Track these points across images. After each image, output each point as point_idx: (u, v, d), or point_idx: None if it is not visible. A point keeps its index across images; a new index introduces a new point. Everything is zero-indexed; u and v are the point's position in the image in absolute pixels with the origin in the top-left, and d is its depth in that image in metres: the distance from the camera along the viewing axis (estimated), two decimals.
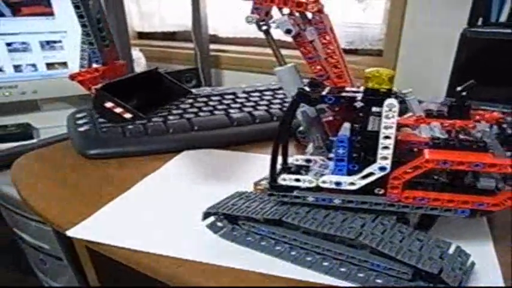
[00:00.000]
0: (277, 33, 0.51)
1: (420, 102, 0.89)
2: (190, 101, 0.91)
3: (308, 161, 0.50)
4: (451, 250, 0.43)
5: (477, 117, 0.53)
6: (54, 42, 1.17)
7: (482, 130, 0.51)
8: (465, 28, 0.95)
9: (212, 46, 1.77)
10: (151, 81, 0.78)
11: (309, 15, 0.51)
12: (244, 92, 0.98)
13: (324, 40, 0.50)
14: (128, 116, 0.65)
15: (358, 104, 0.43)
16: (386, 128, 0.42)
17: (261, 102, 0.92)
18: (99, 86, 0.68)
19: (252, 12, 0.50)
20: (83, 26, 0.71)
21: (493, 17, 0.93)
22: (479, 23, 0.96)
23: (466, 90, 0.55)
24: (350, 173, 0.46)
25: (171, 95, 0.83)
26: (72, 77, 0.71)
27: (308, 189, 0.47)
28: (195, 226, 0.51)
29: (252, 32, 1.75)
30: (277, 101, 0.94)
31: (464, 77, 0.95)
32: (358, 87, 0.47)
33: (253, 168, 0.60)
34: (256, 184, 0.57)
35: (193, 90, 0.96)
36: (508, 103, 0.90)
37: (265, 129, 0.84)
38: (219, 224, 0.52)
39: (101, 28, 0.74)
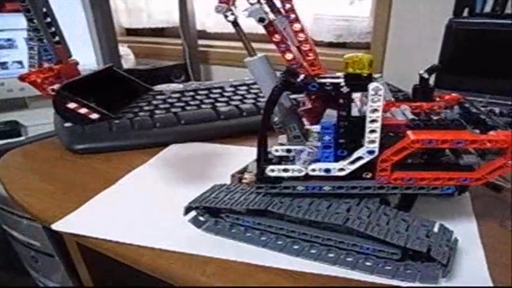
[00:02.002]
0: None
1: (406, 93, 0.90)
2: (177, 95, 0.91)
3: (288, 151, 0.49)
4: (436, 228, 0.44)
5: (437, 98, 0.54)
6: None
7: (445, 111, 0.52)
8: (450, 19, 0.96)
9: (200, 41, 1.76)
10: (110, 80, 0.76)
11: (278, 4, 0.51)
12: (231, 85, 0.98)
13: (295, 28, 0.50)
14: (94, 116, 0.64)
15: (345, 90, 0.43)
16: (373, 111, 0.43)
17: (248, 96, 0.92)
18: (59, 86, 0.65)
19: (221, 2, 0.48)
20: (30, 20, 0.67)
21: (478, 8, 0.94)
22: (465, 13, 0.97)
23: (429, 74, 0.56)
24: (337, 159, 0.46)
25: (132, 93, 0.80)
26: (23, 78, 0.67)
27: (295, 178, 0.47)
28: (180, 219, 0.51)
29: (250, 27, 1.74)
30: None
31: (451, 67, 0.96)
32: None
33: (240, 160, 0.60)
34: (233, 176, 0.57)
35: (181, 85, 0.96)
36: (494, 93, 0.91)
37: (253, 122, 0.84)
38: (201, 218, 0.52)
39: (49, 23, 0.70)
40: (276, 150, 0.49)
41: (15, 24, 1.13)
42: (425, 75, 0.55)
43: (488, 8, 0.93)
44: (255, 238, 0.49)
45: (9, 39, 1.14)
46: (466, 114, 0.52)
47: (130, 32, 2.12)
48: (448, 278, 0.42)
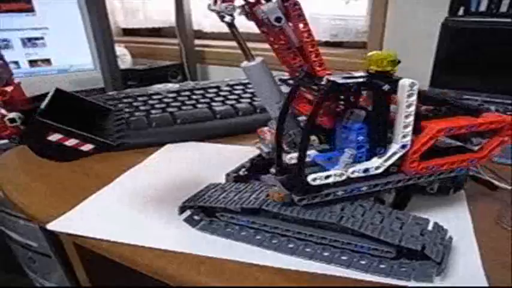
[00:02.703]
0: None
1: None
2: (173, 95, 0.91)
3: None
4: (430, 226, 0.44)
5: None
6: (36, 39, 1.16)
7: None
8: (446, 18, 0.96)
9: (197, 41, 1.76)
10: (65, 103, 0.60)
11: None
12: (227, 85, 0.98)
13: (303, 28, 0.47)
14: (86, 147, 0.49)
15: (386, 88, 0.43)
16: (408, 106, 0.44)
17: (244, 95, 0.93)
18: (19, 114, 0.46)
19: (215, 1, 0.44)
20: None
21: (473, 7, 0.94)
22: (461, 12, 0.97)
23: None
24: (367, 159, 0.47)
25: (95, 113, 0.70)
26: None
27: (333, 184, 0.46)
28: (176, 218, 0.51)
29: (239, 26, 1.74)
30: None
31: (447, 66, 0.96)
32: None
33: (235, 160, 0.60)
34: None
35: (177, 85, 0.96)
36: (489, 91, 0.91)
37: (249, 121, 0.84)
38: (196, 217, 0.52)
39: None
40: (291, 159, 0.48)
41: (11, 24, 1.13)
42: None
43: (483, 7, 0.93)
44: (249, 237, 0.49)
45: (4, 40, 1.14)
46: (435, 104, 0.54)
47: (126, 32, 2.12)
48: (442, 276, 0.42)
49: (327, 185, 0.46)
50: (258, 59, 0.47)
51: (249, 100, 0.90)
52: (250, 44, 0.48)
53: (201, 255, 0.46)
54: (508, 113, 0.81)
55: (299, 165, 0.44)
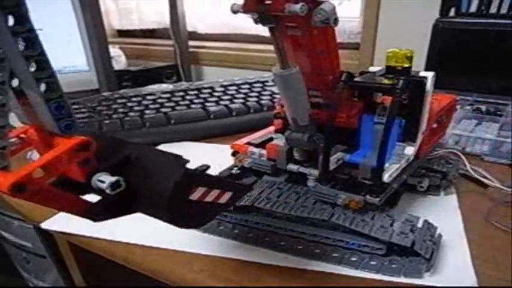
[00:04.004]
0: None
1: None
2: (167, 95, 0.92)
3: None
4: (420, 224, 0.45)
5: None
6: None
7: None
8: (437, 19, 0.97)
9: (191, 43, 1.77)
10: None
11: None
12: (221, 86, 0.99)
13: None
14: (225, 199, 0.37)
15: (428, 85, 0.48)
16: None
17: (238, 96, 0.93)
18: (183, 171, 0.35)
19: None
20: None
21: (464, 8, 0.95)
22: (452, 13, 0.98)
23: None
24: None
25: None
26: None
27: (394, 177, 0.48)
28: None
29: (231, 27, 1.76)
30: (254, 94, 0.95)
31: (438, 67, 0.97)
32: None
33: (229, 159, 0.60)
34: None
35: (171, 86, 0.97)
36: (480, 92, 0.92)
37: (242, 121, 0.84)
38: None
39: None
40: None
41: None
42: None
43: (473, 8, 0.94)
44: (242, 235, 0.49)
45: None
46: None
47: (121, 33, 2.12)
48: (432, 272, 0.42)
49: (394, 179, 0.48)
50: (295, 67, 0.44)
51: (242, 100, 0.90)
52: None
53: (193, 253, 0.47)
54: (498, 112, 0.82)
55: (378, 169, 0.45)
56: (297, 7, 0.37)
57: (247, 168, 0.56)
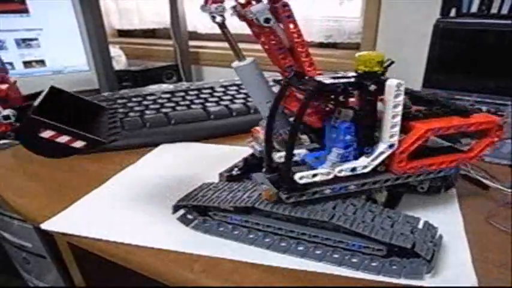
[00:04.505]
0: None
1: None
2: (168, 95, 0.92)
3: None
4: (420, 225, 0.45)
5: None
6: (31, 40, 1.16)
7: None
8: (438, 19, 0.96)
9: (192, 43, 1.76)
10: (60, 101, 0.61)
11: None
12: (221, 86, 0.98)
13: (293, 29, 0.48)
14: (78, 144, 0.49)
15: (372, 88, 0.44)
16: (395, 106, 0.45)
17: (238, 96, 0.93)
18: (13, 111, 0.49)
19: (215, 2, 0.45)
20: None
21: (465, 8, 0.95)
22: (453, 13, 0.98)
23: (385, 69, 0.57)
24: (356, 157, 0.48)
25: (91, 112, 0.71)
26: None
27: (322, 182, 0.47)
28: (169, 217, 0.52)
29: (232, 27, 1.74)
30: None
31: (439, 67, 0.97)
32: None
33: (229, 160, 0.60)
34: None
35: (171, 86, 0.96)
36: (481, 92, 0.92)
37: (242, 122, 0.84)
38: (189, 216, 0.52)
39: None
40: (280, 157, 0.48)
41: (5, 25, 1.13)
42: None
43: (474, 8, 0.94)
44: (242, 236, 0.49)
45: None
46: (426, 104, 0.55)
47: (121, 33, 2.12)
48: (432, 273, 0.42)
49: (315, 184, 0.46)
50: (249, 59, 0.48)
51: (243, 101, 0.90)
52: (243, 45, 0.48)
53: (194, 254, 0.47)
54: (499, 113, 0.82)
55: (286, 163, 0.45)
56: (213, 7, 0.44)
57: (247, 169, 0.56)
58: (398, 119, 0.45)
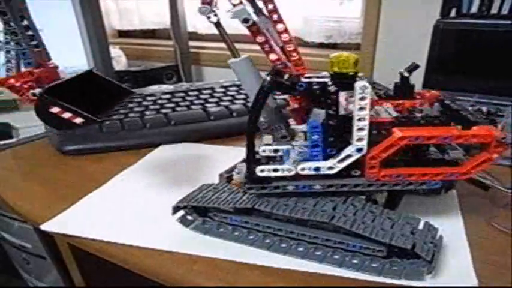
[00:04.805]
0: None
1: None
2: (168, 96, 0.92)
3: (276, 151, 0.49)
4: (421, 226, 0.45)
5: (418, 96, 0.55)
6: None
7: (427, 108, 0.53)
8: (438, 19, 0.96)
9: (192, 43, 1.76)
10: (91, 83, 0.74)
11: (260, 4, 0.51)
12: (221, 86, 0.98)
13: (278, 29, 0.50)
14: (78, 120, 0.62)
15: (332, 89, 0.44)
16: (360, 109, 0.44)
17: (238, 97, 0.93)
18: (40, 90, 0.63)
19: (203, 3, 0.47)
20: (6, 23, 0.66)
21: (465, 8, 0.95)
22: (453, 14, 0.98)
23: (410, 72, 0.56)
24: (326, 158, 0.47)
25: (114, 95, 0.78)
26: (1, 83, 0.65)
27: (286, 178, 0.47)
28: (169, 218, 0.52)
29: (232, 28, 1.74)
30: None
31: (439, 67, 0.97)
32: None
33: (229, 160, 0.60)
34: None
35: (171, 86, 0.97)
36: (481, 92, 0.92)
37: (242, 122, 0.83)
38: (189, 217, 0.52)
39: (26, 26, 0.69)
40: (264, 151, 0.49)
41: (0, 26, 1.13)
42: (406, 74, 0.55)
43: (474, 9, 0.94)
44: (242, 237, 0.49)
45: None
46: (446, 111, 0.53)
47: (121, 33, 2.12)
48: (433, 274, 0.42)
49: (278, 178, 0.47)
50: (244, 56, 0.49)
51: (243, 101, 0.90)
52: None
53: (194, 255, 0.47)
54: (499, 113, 0.82)
55: (248, 155, 0.47)
56: (200, 7, 0.46)
57: None
58: (364, 122, 0.44)
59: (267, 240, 0.48)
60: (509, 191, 0.58)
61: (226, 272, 0.45)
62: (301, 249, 0.47)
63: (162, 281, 0.46)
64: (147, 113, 0.84)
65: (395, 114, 0.49)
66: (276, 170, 0.47)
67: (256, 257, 0.46)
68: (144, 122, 0.80)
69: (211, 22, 0.47)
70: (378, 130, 0.47)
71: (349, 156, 0.46)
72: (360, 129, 0.45)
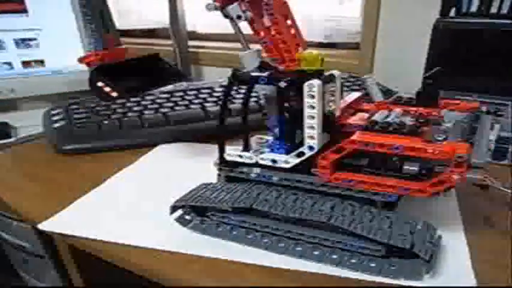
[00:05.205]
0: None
1: (395, 92, 0.90)
2: (166, 95, 0.92)
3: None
4: (419, 225, 0.45)
5: (450, 106, 0.54)
6: (29, 39, 1.16)
7: (451, 119, 0.51)
8: (437, 19, 0.96)
9: (191, 42, 1.76)
10: (149, 65, 0.82)
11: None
12: (220, 86, 0.98)
13: (275, 25, 0.52)
14: (114, 94, 0.70)
15: (282, 85, 0.46)
16: (310, 107, 0.45)
17: (237, 96, 0.92)
18: (94, 67, 0.75)
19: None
20: (85, 14, 0.81)
21: (464, 8, 0.94)
22: (452, 13, 0.97)
23: (434, 79, 0.55)
24: (288, 151, 0.49)
25: (166, 78, 0.83)
26: (80, 60, 0.82)
27: (251, 164, 0.51)
28: (168, 218, 0.51)
29: (227, 28, 1.74)
30: (253, 94, 0.94)
31: (439, 67, 0.97)
32: None
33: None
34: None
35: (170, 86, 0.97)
36: (481, 92, 0.91)
37: (241, 122, 0.84)
38: (187, 217, 0.52)
39: (102, 16, 0.84)
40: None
41: (4, 25, 1.13)
42: (430, 81, 0.54)
43: (474, 8, 0.93)
44: (240, 236, 0.49)
45: None
46: (463, 124, 0.49)
47: (121, 33, 2.12)
48: (432, 274, 0.42)
49: (244, 164, 0.51)
50: (254, 49, 0.53)
51: (242, 101, 0.90)
52: (249, 46, 0.51)
53: (192, 255, 0.47)
54: (499, 112, 0.82)
55: (218, 140, 0.54)
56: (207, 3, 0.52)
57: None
58: (314, 120, 0.46)
59: (265, 240, 0.48)
60: (509, 190, 0.57)
61: (225, 272, 0.44)
62: (299, 248, 0.47)
63: (160, 281, 0.46)
64: (146, 112, 0.84)
65: (393, 120, 0.48)
66: (240, 156, 0.51)
67: (254, 257, 0.46)
68: (142, 121, 0.80)
69: (228, 18, 0.53)
70: (347, 132, 0.48)
71: (302, 153, 0.48)
72: (310, 127, 0.46)
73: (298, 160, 0.48)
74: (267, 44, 0.52)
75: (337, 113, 0.51)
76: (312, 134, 0.46)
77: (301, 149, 0.47)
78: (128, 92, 0.76)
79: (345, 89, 0.63)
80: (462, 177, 0.42)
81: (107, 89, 0.70)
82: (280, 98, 0.47)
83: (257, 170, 0.51)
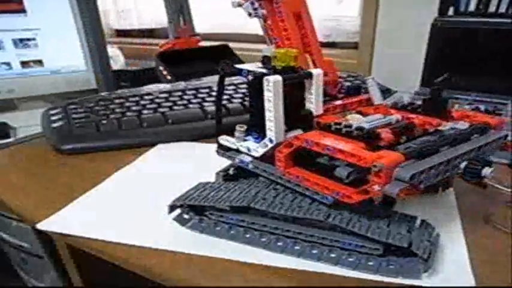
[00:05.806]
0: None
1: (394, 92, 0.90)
2: (165, 95, 0.92)
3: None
4: (417, 224, 0.45)
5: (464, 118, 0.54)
6: (28, 39, 1.16)
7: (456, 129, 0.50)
8: (436, 18, 0.96)
9: None
10: (216, 54, 0.97)
11: None
12: None
13: (280, 24, 0.57)
14: (169, 77, 0.86)
15: (249, 78, 0.49)
16: (267, 101, 0.47)
17: (236, 96, 0.93)
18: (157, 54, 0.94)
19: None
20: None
21: (462, 7, 0.95)
22: (450, 12, 0.98)
23: (443, 86, 0.55)
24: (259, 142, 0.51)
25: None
26: (160, 46, 1.03)
27: (236, 150, 0.55)
28: (166, 217, 0.51)
29: (231, 27, 1.75)
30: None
31: (437, 66, 0.97)
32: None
33: (227, 160, 0.60)
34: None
35: (168, 86, 0.97)
36: (479, 91, 0.92)
37: (240, 121, 0.84)
38: (186, 216, 0.52)
39: (182, 11, 1.03)
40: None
41: (2, 25, 1.13)
42: (437, 87, 0.53)
43: (472, 7, 0.94)
44: (238, 235, 0.49)
45: None
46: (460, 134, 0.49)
47: (119, 33, 2.12)
48: (429, 273, 0.42)
49: (235, 150, 0.55)
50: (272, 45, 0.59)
51: (240, 100, 0.90)
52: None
53: (190, 254, 0.47)
54: (497, 112, 0.82)
55: (216, 125, 0.58)
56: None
57: (243, 169, 0.56)
58: (271, 114, 0.47)
59: (263, 239, 0.48)
60: (509, 189, 0.58)
61: (223, 271, 0.44)
62: (297, 247, 0.47)
63: (159, 280, 0.46)
64: (145, 112, 0.84)
65: (366, 125, 0.48)
66: (228, 141, 0.55)
67: (253, 256, 0.46)
68: (141, 121, 0.80)
69: (253, 16, 0.58)
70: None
71: (265, 144, 0.49)
72: (269, 120, 0.47)
73: (262, 151, 0.50)
74: (277, 41, 0.57)
75: (319, 112, 0.52)
76: (270, 127, 0.48)
77: (264, 141, 0.49)
78: (180, 77, 0.86)
79: (344, 88, 0.63)
80: (381, 189, 0.39)
81: (165, 72, 0.86)
82: (249, 90, 0.51)
83: (240, 156, 0.54)
